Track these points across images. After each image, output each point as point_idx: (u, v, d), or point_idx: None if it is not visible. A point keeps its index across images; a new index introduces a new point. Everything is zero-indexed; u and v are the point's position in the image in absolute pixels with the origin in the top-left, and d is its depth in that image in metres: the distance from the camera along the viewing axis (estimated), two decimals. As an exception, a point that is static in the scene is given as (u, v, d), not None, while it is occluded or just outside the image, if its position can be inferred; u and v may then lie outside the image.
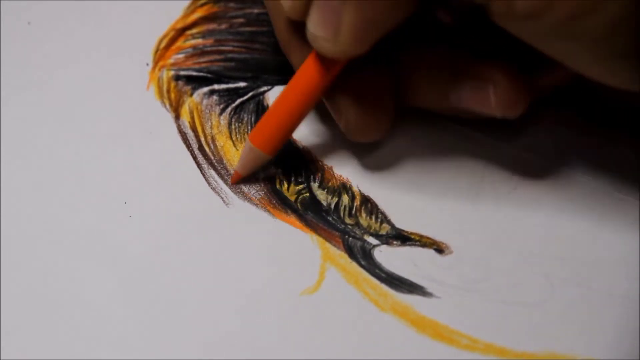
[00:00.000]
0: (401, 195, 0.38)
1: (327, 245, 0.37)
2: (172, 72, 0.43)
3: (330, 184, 0.39)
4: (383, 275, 0.36)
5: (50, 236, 0.37)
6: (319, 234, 0.37)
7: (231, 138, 0.41)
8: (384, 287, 0.36)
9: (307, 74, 0.36)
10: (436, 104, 0.38)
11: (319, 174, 0.39)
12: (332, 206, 0.38)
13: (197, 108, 0.42)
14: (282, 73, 0.43)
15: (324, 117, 0.41)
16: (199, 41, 0.44)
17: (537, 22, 0.31)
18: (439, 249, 0.37)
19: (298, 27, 0.36)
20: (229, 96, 0.42)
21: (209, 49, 0.44)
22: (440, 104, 0.38)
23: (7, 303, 0.35)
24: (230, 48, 0.44)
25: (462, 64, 0.37)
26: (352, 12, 0.32)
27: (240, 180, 0.39)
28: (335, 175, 0.39)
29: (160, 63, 0.43)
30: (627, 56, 0.31)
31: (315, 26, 0.34)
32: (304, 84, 0.36)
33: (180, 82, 0.43)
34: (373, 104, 0.37)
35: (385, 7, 0.32)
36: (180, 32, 0.44)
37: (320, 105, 0.39)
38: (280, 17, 0.37)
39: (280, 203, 0.38)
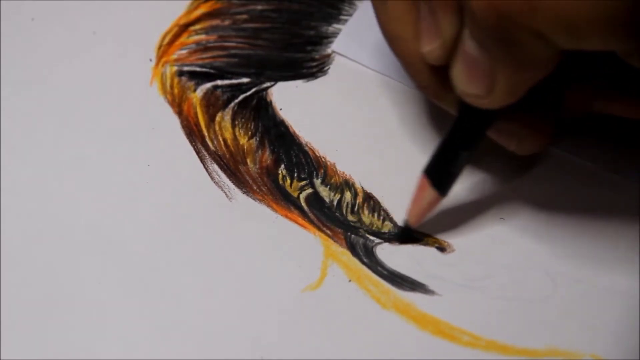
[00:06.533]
0: (404, 193, 0.38)
1: (330, 242, 0.37)
2: (175, 68, 0.43)
3: (333, 180, 0.39)
4: (385, 272, 0.36)
5: (52, 232, 0.37)
6: (322, 231, 0.37)
7: (234, 133, 0.41)
8: (386, 285, 0.36)
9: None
10: (580, 109, 0.38)
11: (322, 171, 0.39)
12: (335, 203, 0.38)
13: (200, 104, 0.42)
14: (285, 69, 0.43)
15: (327, 112, 0.41)
16: (202, 37, 0.44)
17: None
18: (441, 246, 0.37)
19: (439, 68, 0.35)
20: (232, 92, 0.42)
21: (212, 44, 0.44)
22: (583, 108, 0.38)
23: (8, 302, 0.35)
24: (234, 44, 0.44)
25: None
26: (506, 75, 0.32)
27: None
28: (338, 172, 0.39)
29: (164, 59, 0.43)
30: None
31: (464, 84, 0.33)
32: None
33: (184, 78, 0.43)
34: (540, 122, 0.37)
35: (537, 66, 0.32)
36: (183, 28, 0.44)
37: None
38: (416, 59, 0.36)
39: (282, 199, 0.39)
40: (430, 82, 0.36)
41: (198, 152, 0.40)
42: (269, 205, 0.38)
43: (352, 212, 0.38)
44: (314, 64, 0.43)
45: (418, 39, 0.34)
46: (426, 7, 0.34)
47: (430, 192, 0.36)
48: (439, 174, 0.36)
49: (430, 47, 0.34)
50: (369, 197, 0.38)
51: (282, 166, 0.40)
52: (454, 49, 0.33)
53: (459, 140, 0.36)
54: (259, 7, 0.45)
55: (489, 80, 0.32)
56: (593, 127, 0.39)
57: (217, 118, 0.41)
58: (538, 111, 0.37)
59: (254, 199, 0.39)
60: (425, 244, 0.37)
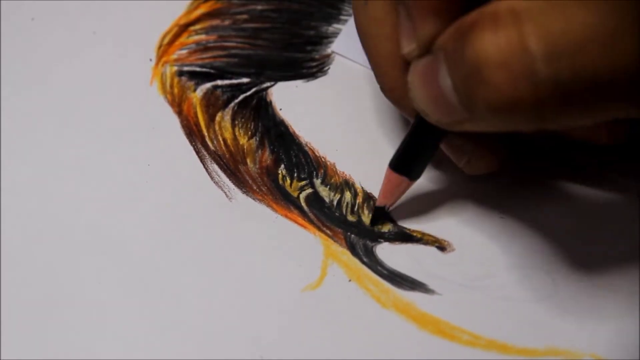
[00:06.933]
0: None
1: (329, 241, 0.37)
2: (175, 68, 0.43)
3: (333, 180, 0.39)
4: (385, 272, 0.36)
5: (53, 232, 0.37)
6: (322, 231, 0.37)
7: (234, 133, 0.41)
8: (386, 284, 0.36)
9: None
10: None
11: (322, 170, 0.39)
12: (335, 203, 0.38)
13: (200, 103, 0.42)
14: (285, 69, 0.43)
15: (327, 112, 0.41)
16: (202, 37, 0.44)
17: None
18: (441, 246, 0.37)
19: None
20: (232, 92, 0.42)
21: (212, 44, 0.44)
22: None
23: (8, 302, 0.35)
24: (234, 44, 0.44)
25: None
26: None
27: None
28: (338, 171, 0.39)
29: (164, 59, 0.43)
30: None
31: (424, 104, 0.33)
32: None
33: (184, 78, 0.43)
34: (491, 144, 0.37)
35: None
36: (183, 28, 0.44)
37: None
38: (386, 60, 0.36)
39: (282, 199, 0.39)
40: (395, 85, 0.36)
41: (198, 152, 0.40)
42: (269, 205, 0.38)
43: (352, 212, 0.38)
44: (314, 64, 0.43)
45: (392, 40, 0.35)
46: (404, 9, 0.34)
47: (397, 178, 0.36)
48: (405, 164, 0.36)
49: (409, 49, 0.34)
50: (369, 197, 0.38)
51: (282, 166, 0.40)
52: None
53: (417, 142, 0.36)
54: (259, 7, 0.45)
55: (449, 108, 0.32)
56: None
57: (217, 118, 0.41)
58: (492, 135, 0.37)
59: (254, 199, 0.39)
60: (426, 243, 0.37)
